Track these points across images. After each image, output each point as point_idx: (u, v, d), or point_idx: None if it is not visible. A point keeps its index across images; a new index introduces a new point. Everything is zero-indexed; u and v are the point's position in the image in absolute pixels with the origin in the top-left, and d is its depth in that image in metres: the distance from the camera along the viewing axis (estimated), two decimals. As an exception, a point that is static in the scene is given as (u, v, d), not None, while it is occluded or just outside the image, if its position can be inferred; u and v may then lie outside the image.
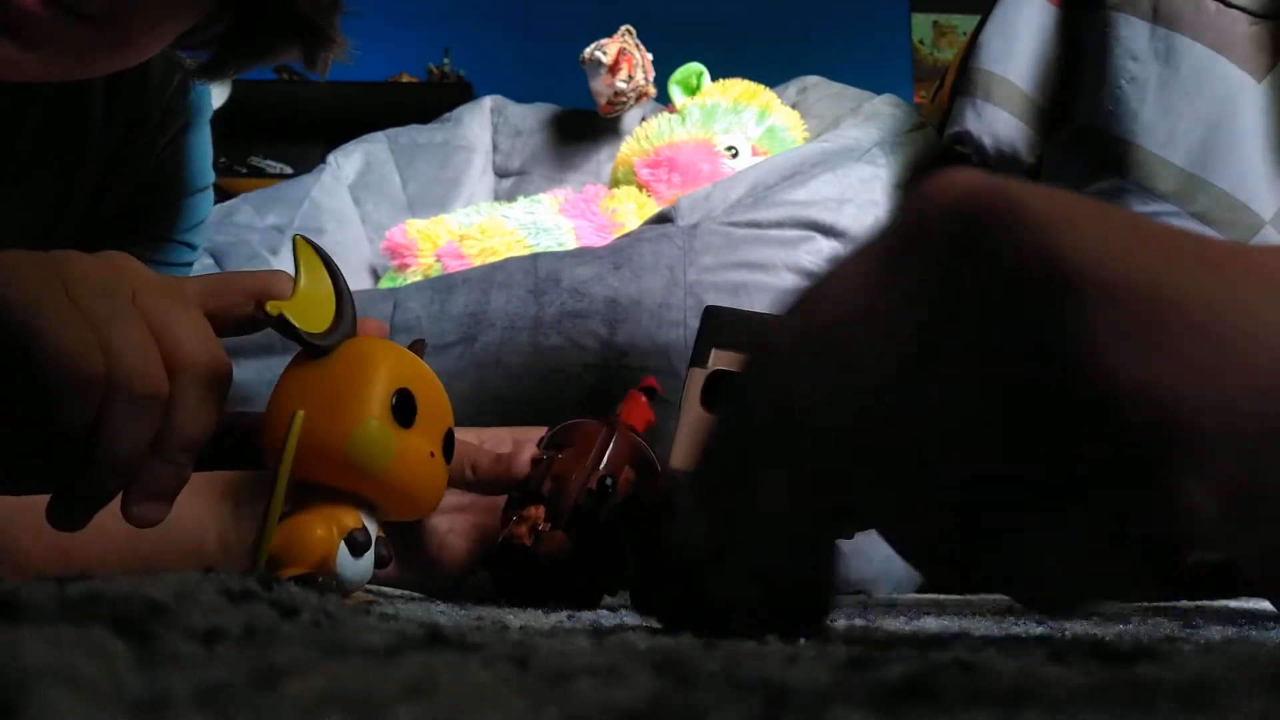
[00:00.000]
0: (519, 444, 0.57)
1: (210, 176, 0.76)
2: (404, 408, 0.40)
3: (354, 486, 0.40)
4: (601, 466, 0.52)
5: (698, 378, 0.47)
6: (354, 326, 0.41)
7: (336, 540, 0.39)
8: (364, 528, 0.40)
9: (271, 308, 0.39)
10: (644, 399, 0.58)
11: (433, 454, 0.42)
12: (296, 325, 0.39)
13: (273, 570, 0.38)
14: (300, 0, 0.54)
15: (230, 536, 0.51)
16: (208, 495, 0.52)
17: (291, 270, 0.41)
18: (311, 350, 0.40)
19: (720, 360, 0.47)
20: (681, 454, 0.47)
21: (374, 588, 0.55)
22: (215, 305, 0.42)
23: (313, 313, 0.40)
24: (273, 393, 0.41)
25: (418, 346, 0.46)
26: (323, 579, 0.38)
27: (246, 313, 0.42)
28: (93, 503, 0.38)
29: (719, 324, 0.48)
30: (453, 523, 0.59)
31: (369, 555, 0.40)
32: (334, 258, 0.43)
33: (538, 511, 0.51)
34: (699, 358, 0.47)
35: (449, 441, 0.44)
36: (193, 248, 0.75)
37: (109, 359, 0.35)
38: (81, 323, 0.35)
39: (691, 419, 0.46)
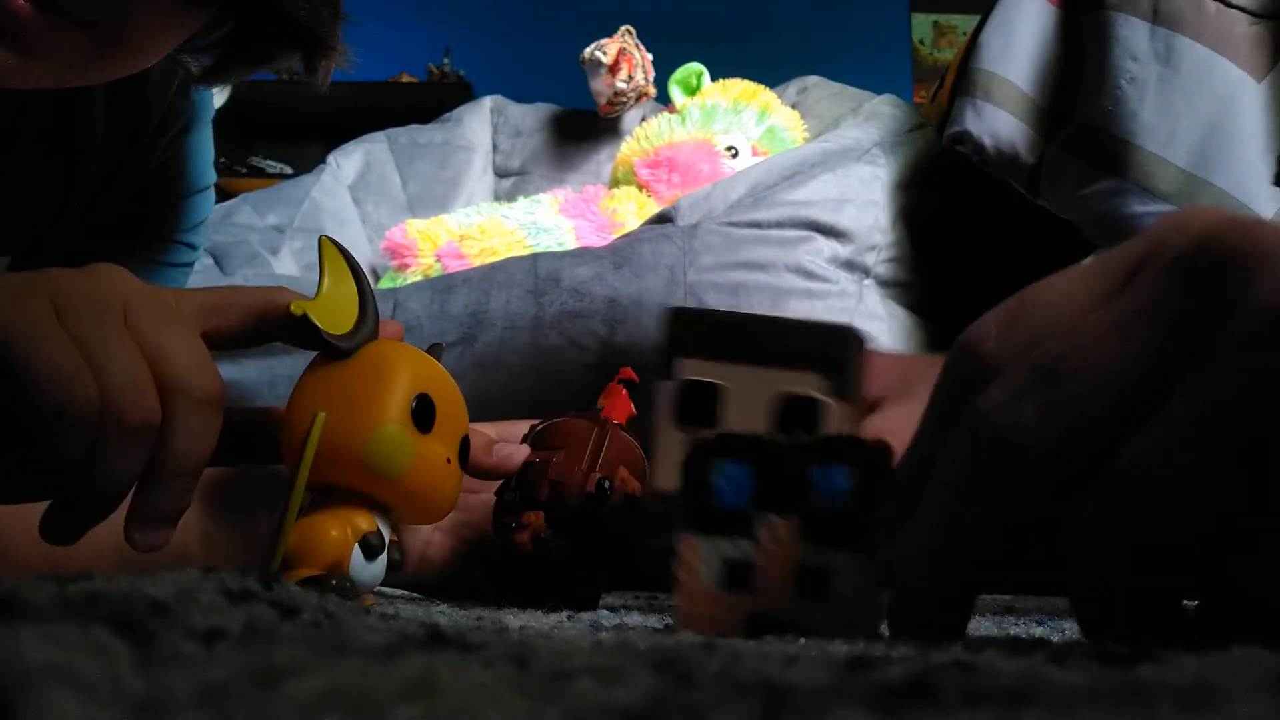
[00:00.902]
0: (504, 438, 0.57)
1: (211, 177, 0.76)
2: (424, 413, 0.40)
3: (370, 489, 0.40)
4: (597, 468, 0.52)
5: (668, 391, 0.41)
6: (376, 329, 0.41)
7: (351, 542, 0.39)
8: (378, 531, 0.40)
9: (295, 308, 0.39)
10: (624, 392, 0.57)
11: (449, 461, 0.42)
12: (319, 326, 0.39)
13: (286, 570, 0.38)
14: (300, 10, 0.54)
15: (216, 538, 0.51)
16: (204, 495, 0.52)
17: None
18: (333, 352, 0.40)
19: (690, 370, 0.41)
20: (663, 475, 0.42)
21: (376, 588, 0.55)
22: (213, 323, 0.41)
23: (335, 314, 0.40)
24: (293, 393, 0.40)
25: (436, 350, 0.46)
26: (335, 580, 0.38)
27: (246, 329, 0.42)
28: (85, 523, 0.37)
29: (684, 329, 0.42)
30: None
31: (382, 559, 0.40)
32: None
33: (538, 518, 0.51)
34: (666, 368, 0.42)
35: (465, 449, 0.44)
36: (193, 248, 0.75)
37: (101, 385, 0.34)
38: (73, 350, 0.34)
39: (667, 438, 0.41)
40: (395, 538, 0.42)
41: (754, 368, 0.41)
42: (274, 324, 0.42)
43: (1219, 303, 0.23)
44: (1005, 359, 0.25)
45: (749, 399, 0.41)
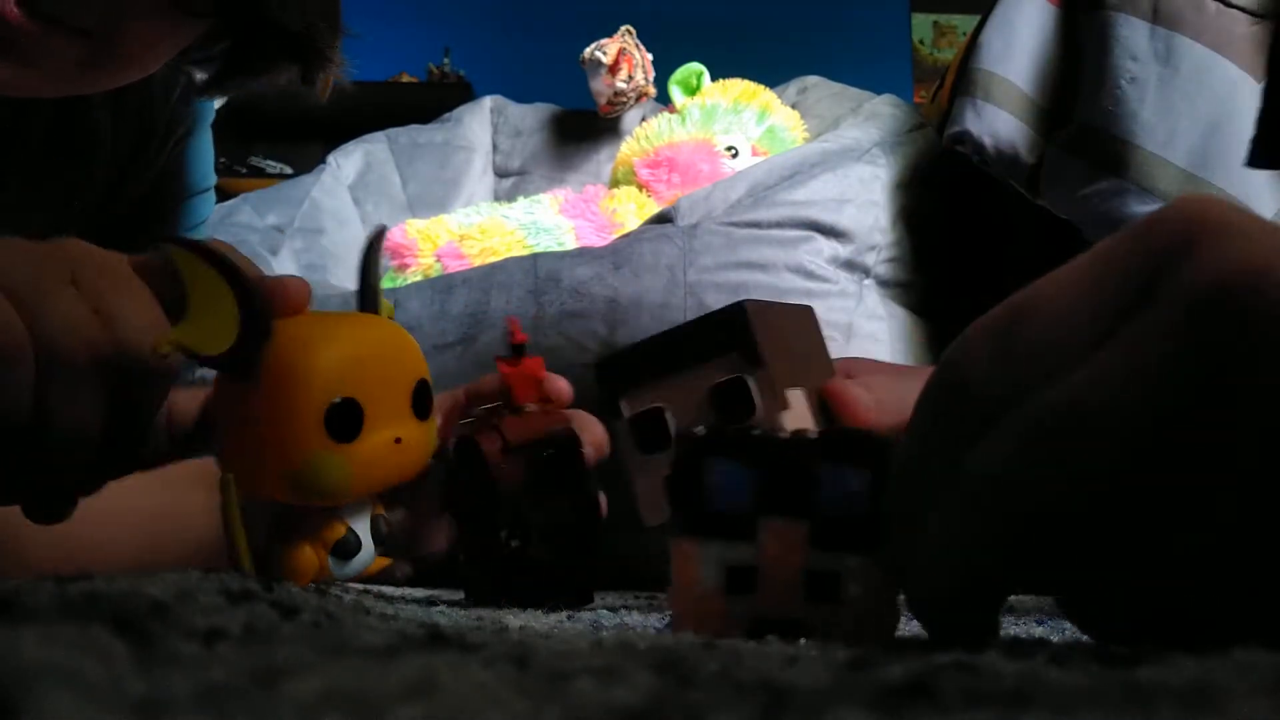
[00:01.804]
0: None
1: (212, 179, 0.77)
2: (344, 422, 0.37)
3: (319, 503, 0.39)
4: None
5: (623, 432, 0.47)
6: (266, 328, 0.36)
7: (323, 556, 0.39)
8: (350, 531, 0.39)
9: (161, 346, 0.35)
10: (519, 365, 0.51)
11: (399, 439, 0.38)
12: (196, 351, 0.35)
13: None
14: (298, 23, 0.54)
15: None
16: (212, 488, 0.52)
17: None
18: (223, 369, 0.36)
19: (633, 404, 0.47)
20: (648, 509, 0.47)
21: (375, 587, 0.55)
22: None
23: (215, 328, 0.35)
24: (216, 415, 0.38)
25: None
26: (320, 586, 0.38)
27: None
28: (60, 491, 0.37)
29: (611, 374, 0.47)
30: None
31: (366, 544, 0.40)
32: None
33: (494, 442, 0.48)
34: (611, 413, 0.47)
35: (421, 394, 0.40)
36: None
37: (36, 332, 0.34)
38: (2, 300, 0.34)
39: (639, 470, 0.46)
40: (380, 510, 0.41)
41: (680, 376, 0.45)
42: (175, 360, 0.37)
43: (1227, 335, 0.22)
44: (996, 397, 0.24)
45: (689, 404, 0.45)
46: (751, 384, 0.44)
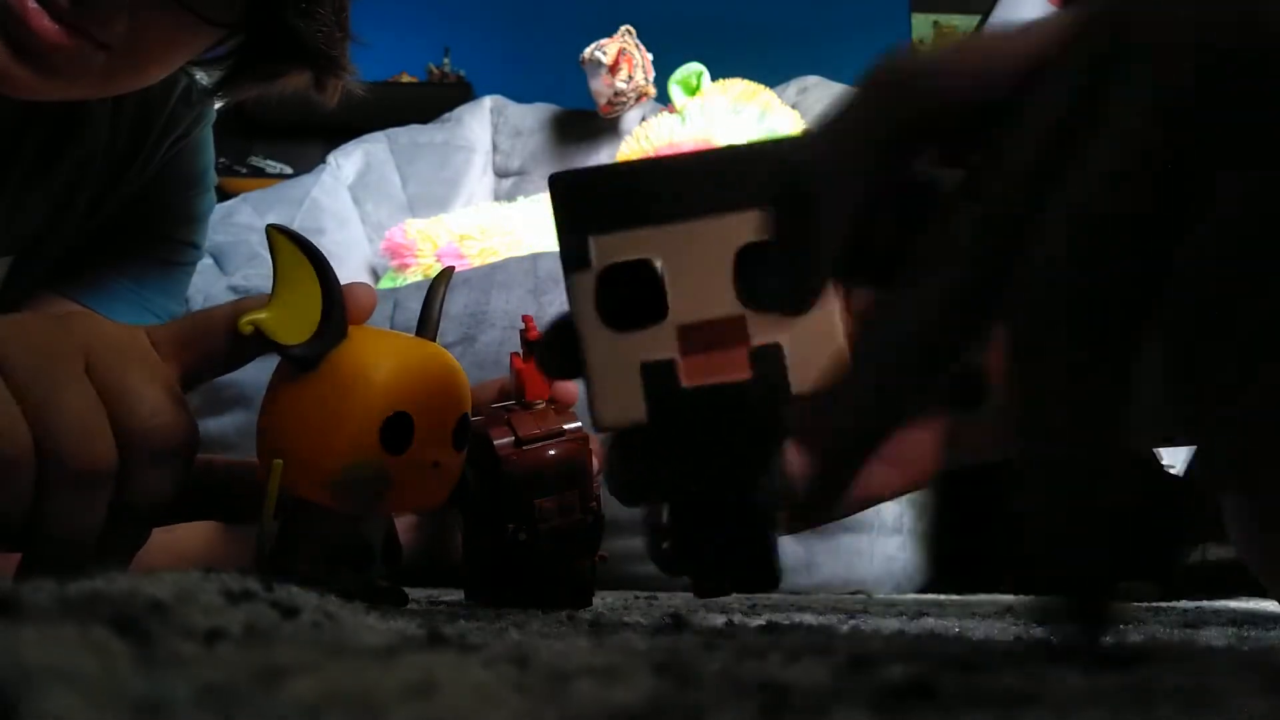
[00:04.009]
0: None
1: (212, 178, 0.77)
2: (398, 434, 0.37)
3: (351, 509, 0.39)
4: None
5: (585, 287, 0.30)
6: (343, 329, 0.37)
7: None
8: (366, 543, 0.40)
9: (244, 325, 0.35)
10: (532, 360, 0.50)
11: (437, 463, 0.39)
12: (274, 338, 0.36)
13: None
14: (311, 29, 0.55)
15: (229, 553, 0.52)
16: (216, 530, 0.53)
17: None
18: (297, 363, 0.37)
19: (609, 250, 0.30)
20: (609, 403, 0.30)
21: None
22: (190, 355, 0.39)
23: (295, 318, 0.36)
24: (261, 410, 0.38)
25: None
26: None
27: (224, 351, 0.39)
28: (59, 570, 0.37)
29: (584, 195, 0.30)
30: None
31: (377, 561, 0.40)
32: (333, 258, 0.39)
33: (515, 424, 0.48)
34: (574, 258, 0.30)
35: (461, 428, 0.40)
36: (195, 247, 0.75)
37: (43, 435, 0.33)
38: (7, 399, 0.33)
39: (601, 349, 0.30)
40: (392, 529, 0.41)
41: (696, 222, 0.30)
42: (251, 341, 0.38)
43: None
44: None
45: (698, 266, 0.30)
46: None
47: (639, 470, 0.31)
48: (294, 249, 0.36)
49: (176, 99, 0.71)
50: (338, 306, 0.36)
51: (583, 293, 0.30)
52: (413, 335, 0.42)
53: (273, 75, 0.59)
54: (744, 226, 0.30)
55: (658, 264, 0.30)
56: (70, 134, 0.66)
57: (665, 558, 0.32)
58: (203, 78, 0.65)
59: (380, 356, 0.37)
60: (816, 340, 0.30)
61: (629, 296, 0.30)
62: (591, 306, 0.30)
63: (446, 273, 0.45)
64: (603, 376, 0.30)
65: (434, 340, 0.43)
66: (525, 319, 0.53)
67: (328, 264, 0.37)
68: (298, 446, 0.36)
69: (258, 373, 0.39)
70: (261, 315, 0.35)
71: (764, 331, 0.30)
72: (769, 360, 0.30)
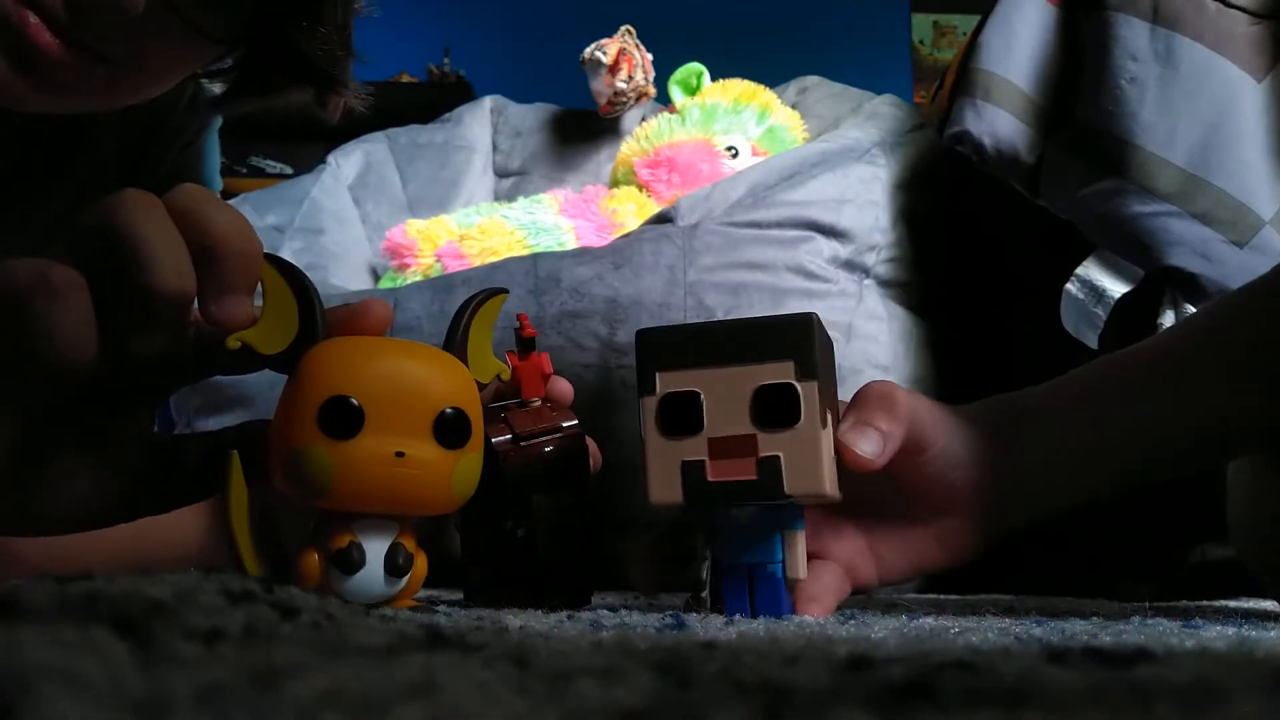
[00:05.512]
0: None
1: (217, 182, 0.78)
2: (338, 418, 0.38)
3: (319, 504, 0.39)
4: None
5: (650, 407, 0.45)
6: (318, 335, 0.40)
7: (322, 564, 0.39)
8: (355, 543, 0.39)
9: (232, 341, 0.39)
10: (530, 357, 0.53)
11: (401, 453, 0.38)
12: (257, 350, 0.39)
13: None
14: (314, 47, 0.55)
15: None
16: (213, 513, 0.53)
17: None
18: (276, 368, 0.40)
19: (668, 383, 0.45)
20: (658, 488, 0.45)
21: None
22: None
23: (276, 332, 0.40)
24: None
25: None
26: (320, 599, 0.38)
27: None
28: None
29: (656, 347, 0.46)
30: None
31: (373, 565, 0.40)
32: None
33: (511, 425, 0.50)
34: (646, 387, 0.46)
35: (451, 424, 0.40)
36: None
37: (203, 232, 0.38)
38: (178, 240, 0.37)
39: (656, 449, 0.45)
40: (405, 539, 0.41)
41: (728, 368, 0.45)
42: (241, 355, 0.40)
43: None
44: None
45: (727, 398, 0.45)
46: (801, 392, 0.44)
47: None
48: (274, 272, 0.40)
49: (183, 106, 0.71)
50: (318, 315, 0.40)
51: (648, 410, 0.46)
52: (410, 340, 0.43)
53: (274, 91, 0.60)
54: (760, 374, 0.44)
55: (700, 394, 0.45)
56: (79, 145, 0.67)
57: (702, 603, 0.47)
58: (208, 88, 0.66)
59: (334, 350, 0.40)
60: (806, 455, 0.44)
61: (679, 415, 0.45)
62: (654, 420, 0.45)
63: (490, 293, 0.45)
64: (656, 468, 0.45)
65: (456, 354, 0.44)
66: (520, 317, 0.53)
67: (305, 279, 0.40)
68: (271, 441, 0.39)
69: (258, 375, 0.41)
70: (247, 333, 0.39)
71: (768, 447, 0.44)
72: (771, 467, 0.44)
